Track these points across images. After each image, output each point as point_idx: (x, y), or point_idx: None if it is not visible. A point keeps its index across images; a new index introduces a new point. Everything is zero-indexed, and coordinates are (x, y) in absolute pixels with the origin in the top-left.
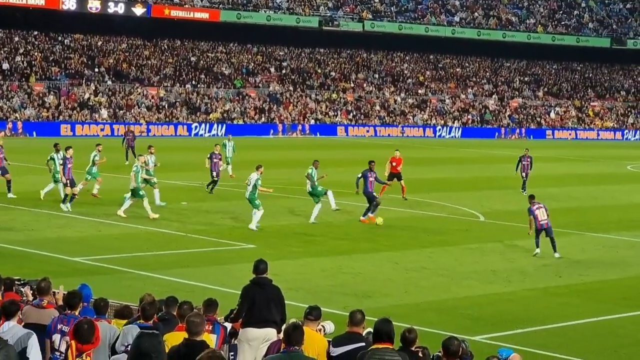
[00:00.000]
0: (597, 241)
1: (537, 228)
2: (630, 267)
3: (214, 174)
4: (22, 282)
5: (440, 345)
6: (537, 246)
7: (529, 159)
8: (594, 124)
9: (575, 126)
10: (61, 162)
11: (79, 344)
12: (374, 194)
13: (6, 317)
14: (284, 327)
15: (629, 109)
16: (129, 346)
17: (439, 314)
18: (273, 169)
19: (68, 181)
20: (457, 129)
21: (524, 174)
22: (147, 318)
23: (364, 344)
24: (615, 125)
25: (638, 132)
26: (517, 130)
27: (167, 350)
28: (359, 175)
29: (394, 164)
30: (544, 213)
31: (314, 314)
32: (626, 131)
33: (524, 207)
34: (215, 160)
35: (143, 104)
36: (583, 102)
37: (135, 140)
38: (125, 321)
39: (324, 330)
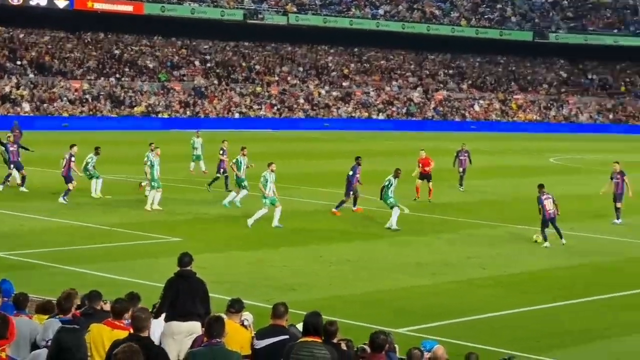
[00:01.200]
0: (520, 233)
1: (545, 219)
2: (552, 259)
3: (221, 170)
4: None
5: (364, 338)
6: (545, 239)
7: (466, 154)
8: (517, 116)
9: (499, 119)
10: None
11: None
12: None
13: None
14: (206, 320)
15: (551, 102)
16: (49, 341)
17: (363, 306)
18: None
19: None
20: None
21: (461, 169)
22: (64, 312)
23: (287, 336)
24: (538, 118)
25: (560, 124)
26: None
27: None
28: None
29: (421, 164)
30: (551, 203)
31: (235, 306)
32: (549, 124)
33: (455, 200)
34: (223, 157)
35: (66, 97)
36: (506, 95)
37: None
38: (47, 316)
39: (248, 323)
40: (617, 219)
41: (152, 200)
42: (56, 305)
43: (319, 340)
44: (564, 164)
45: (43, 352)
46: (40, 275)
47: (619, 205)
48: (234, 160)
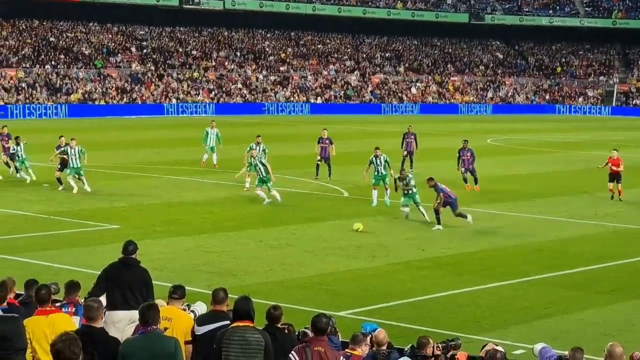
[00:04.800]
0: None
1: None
2: (492, 238)
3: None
4: None
5: (306, 322)
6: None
7: (412, 136)
8: (454, 98)
9: (436, 101)
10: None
11: None
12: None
13: None
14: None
15: (487, 83)
16: None
17: (304, 290)
18: (136, 149)
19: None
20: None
21: (405, 152)
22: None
23: (228, 322)
24: (474, 100)
25: (497, 105)
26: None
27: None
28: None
29: (610, 164)
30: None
31: (178, 292)
32: (485, 105)
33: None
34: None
35: (1, 86)
36: (443, 77)
37: None
38: None
39: (196, 314)
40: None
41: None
42: None
43: (251, 324)
44: (501, 145)
45: None
46: None
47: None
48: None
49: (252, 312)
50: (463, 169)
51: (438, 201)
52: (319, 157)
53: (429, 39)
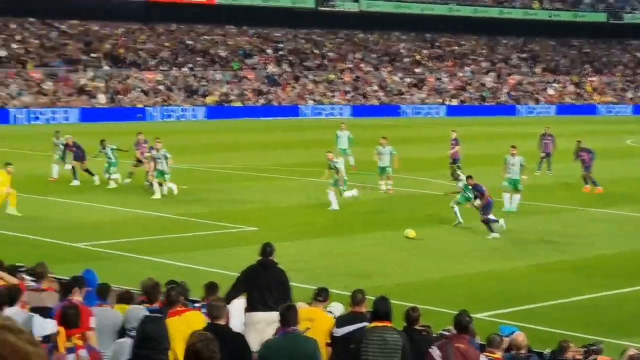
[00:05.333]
0: (603, 217)
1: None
2: (635, 241)
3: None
4: (25, 268)
5: (442, 324)
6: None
7: (550, 138)
8: (592, 99)
9: (573, 102)
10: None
11: (67, 329)
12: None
13: (9, 304)
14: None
15: (627, 84)
16: (132, 330)
17: (439, 292)
18: (272, 151)
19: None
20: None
21: (544, 153)
22: (152, 301)
23: (366, 323)
24: (613, 100)
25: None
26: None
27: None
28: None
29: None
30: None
31: (322, 295)
32: (625, 106)
33: (537, 183)
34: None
35: (140, 88)
36: (581, 78)
37: None
38: (126, 306)
39: (333, 315)
40: None
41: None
42: (144, 293)
43: (389, 325)
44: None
45: (126, 341)
46: (117, 265)
47: None
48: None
49: (390, 313)
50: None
51: (479, 203)
52: (450, 160)
53: (566, 39)
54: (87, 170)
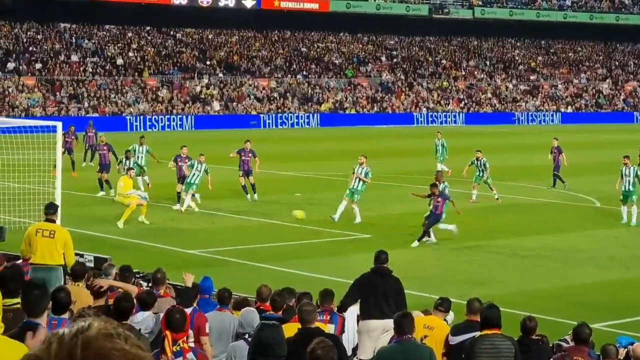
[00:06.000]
0: None
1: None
2: None
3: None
4: (141, 274)
5: (558, 334)
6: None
7: None
8: None
9: None
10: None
11: (172, 333)
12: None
13: (143, 308)
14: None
15: None
16: (247, 334)
17: (555, 301)
18: (386, 158)
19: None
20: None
21: None
22: (276, 309)
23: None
24: None
25: None
26: None
27: None
28: None
29: None
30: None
31: (444, 305)
32: None
33: None
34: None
35: (254, 96)
36: None
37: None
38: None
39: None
40: None
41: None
42: (270, 301)
43: (499, 332)
44: None
45: (241, 343)
46: (231, 272)
47: None
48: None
49: (500, 320)
50: None
51: (432, 205)
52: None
53: None
54: (106, 181)
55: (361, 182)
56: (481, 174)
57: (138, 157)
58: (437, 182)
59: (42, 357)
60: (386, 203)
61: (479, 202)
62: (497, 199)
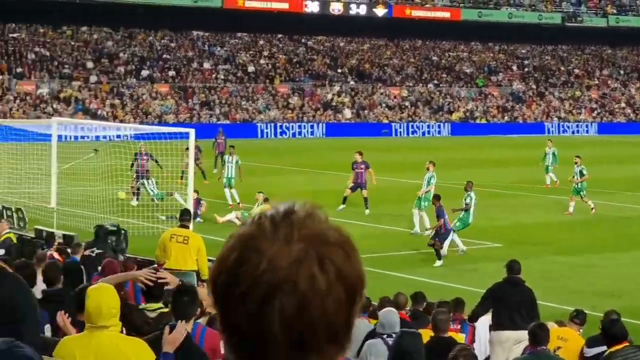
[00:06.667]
0: None
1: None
2: None
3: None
4: None
5: None
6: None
7: None
8: None
9: None
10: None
11: None
12: None
13: None
14: (529, 327)
15: None
16: (385, 335)
17: None
18: (516, 168)
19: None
20: None
21: None
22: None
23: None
24: None
25: None
26: None
27: None
28: None
29: None
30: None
31: (580, 317)
32: None
33: None
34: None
35: (385, 104)
36: None
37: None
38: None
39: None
40: None
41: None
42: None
43: (628, 344)
44: None
45: (378, 342)
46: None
47: None
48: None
49: (627, 332)
50: None
51: (436, 227)
52: None
53: None
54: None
55: (427, 190)
56: (577, 180)
57: (227, 167)
58: (467, 190)
59: (255, 235)
60: (517, 212)
61: (575, 214)
62: (592, 208)
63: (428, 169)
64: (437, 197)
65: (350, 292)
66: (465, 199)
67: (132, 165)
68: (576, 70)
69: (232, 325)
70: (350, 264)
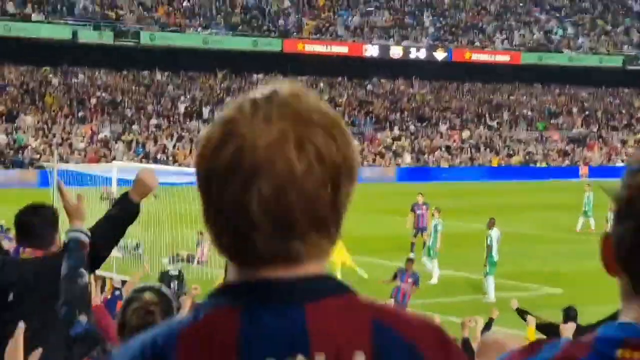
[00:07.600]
0: None
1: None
2: None
3: None
4: None
5: None
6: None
7: None
8: None
9: None
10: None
11: None
12: None
13: None
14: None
15: None
16: None
17: None
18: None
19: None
20: None
21: None
22: None
23: None
24: None
25: None
26: None
27: None
28: None
29: None
30: None
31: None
32: None
33: None
34: None
35: (445, 147)
36: None
37: None
38: None
39: None
40: None
41: None
42: None
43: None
44: None
45: None
46: None
47: None
48: None
49: None
50: None
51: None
52: None
53: None
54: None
55: (434, 237)
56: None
57: None
58: (489, 227)
59: (235, 117)
60: (582, 258)
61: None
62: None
63: (434, 216)
64: (411, 261)
65: (333, 175)
66: (486, 239)
67: None
68: (639, 113)
69: (215, 211)
70: (336, 145)
